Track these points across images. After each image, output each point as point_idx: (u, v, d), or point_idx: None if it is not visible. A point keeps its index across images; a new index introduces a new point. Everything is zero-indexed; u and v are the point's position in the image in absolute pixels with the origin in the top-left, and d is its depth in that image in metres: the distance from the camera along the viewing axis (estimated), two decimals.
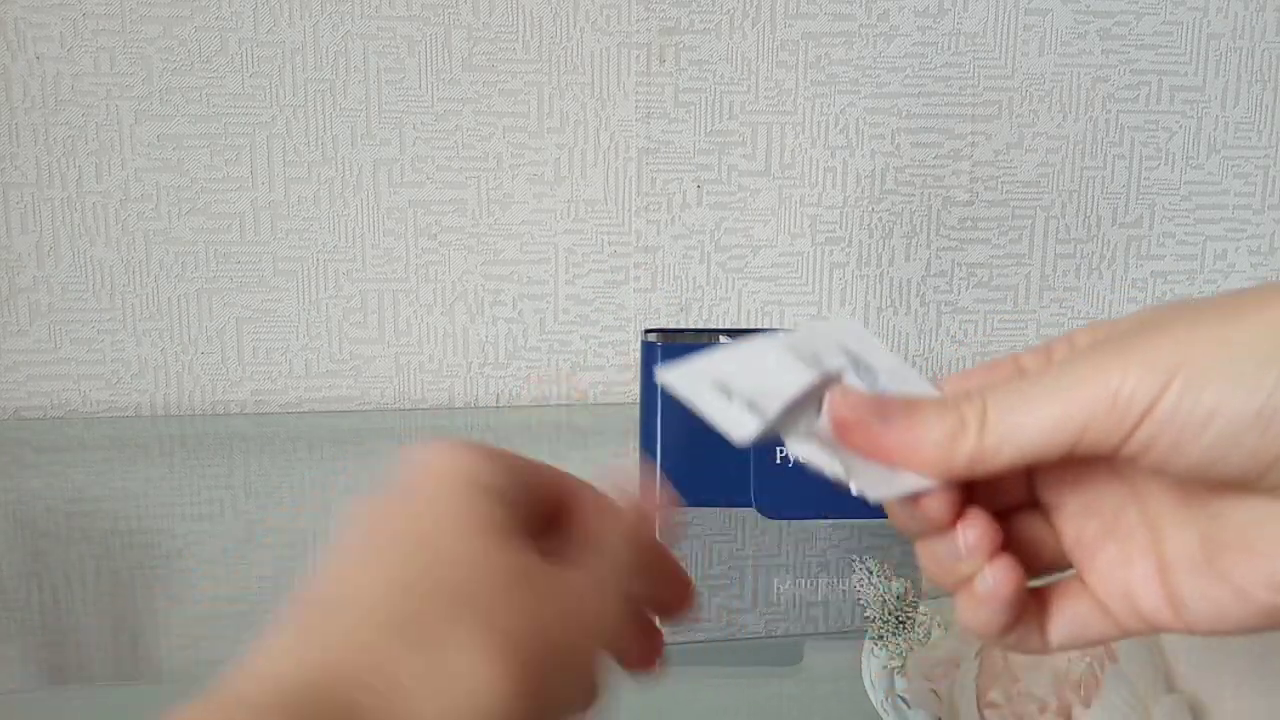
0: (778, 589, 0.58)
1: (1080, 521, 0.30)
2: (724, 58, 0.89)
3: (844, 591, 0.57)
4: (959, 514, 0.28)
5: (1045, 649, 0.30)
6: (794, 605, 0.57)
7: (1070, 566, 0.31)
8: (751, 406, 0.30)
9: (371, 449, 0.83)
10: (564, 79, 0.88)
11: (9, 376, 0.86)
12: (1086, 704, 0.42)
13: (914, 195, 0.94)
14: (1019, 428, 0.27)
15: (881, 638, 0.52)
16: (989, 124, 0.93)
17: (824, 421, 0.30)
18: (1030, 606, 0.30)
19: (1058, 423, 0.26)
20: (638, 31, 0.88)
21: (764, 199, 0.92)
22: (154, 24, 0.83)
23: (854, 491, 0.29)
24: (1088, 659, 0.43)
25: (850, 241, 0.94)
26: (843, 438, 0.29)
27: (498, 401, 0.92)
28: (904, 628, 0.52)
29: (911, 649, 0.51)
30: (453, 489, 0.28)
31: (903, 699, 0.49)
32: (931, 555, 0.29)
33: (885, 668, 0.51)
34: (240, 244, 0.87)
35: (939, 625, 0.52)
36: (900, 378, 0.31)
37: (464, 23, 0.86)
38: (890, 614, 0.53)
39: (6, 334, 0.86)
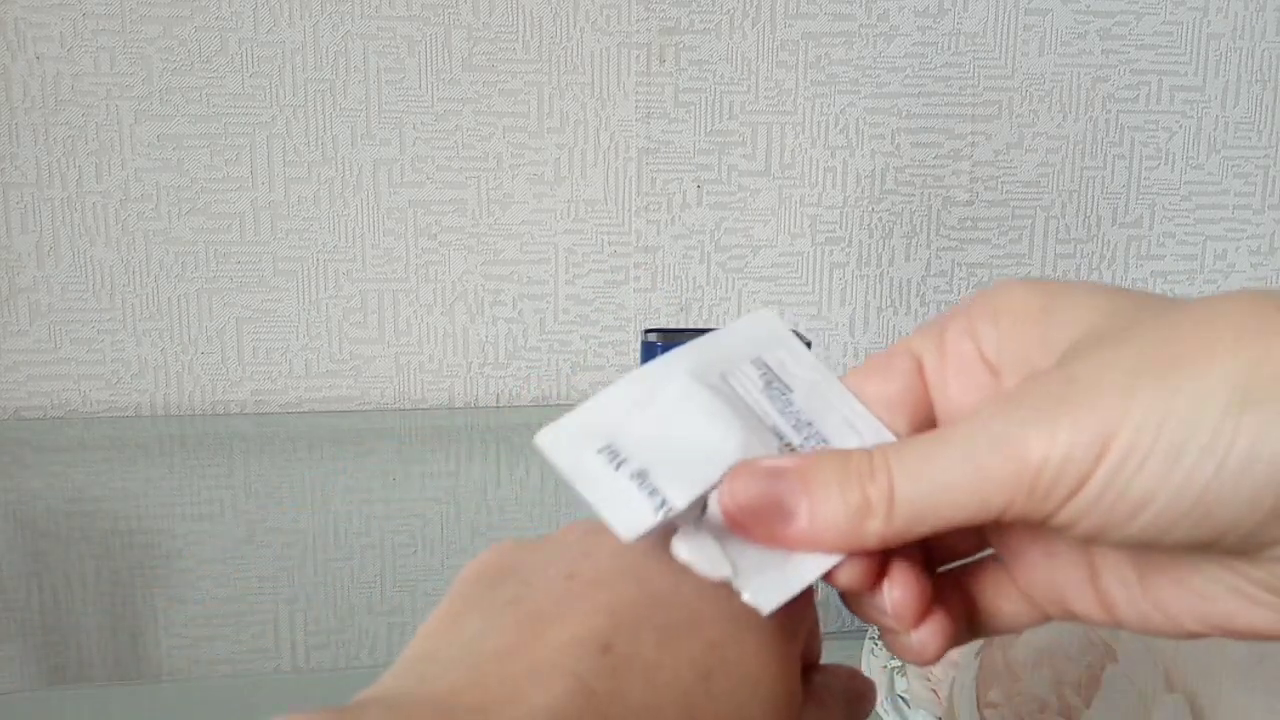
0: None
1: (1004, 528, 0.28)
2: (724, 58, 0.89)
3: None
4: (880, 573, 0.26)
5: (965, 640, 0.28)
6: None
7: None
8: (642, 480, 0.25)
9: (371, 449, 0.83)
10: (564, 79, 0.88)
11: (9, 376, 0.86)
12: (1086, 704, 0.42)
13: (914, 195, 0.94)
14: (931, 510, 0.23)
15: (881, 638, 0.52)
16: (989, 124, 0.93)
17: (713, 510, 0.25)
18: (952, 599, 0.28)
19: (974, 503, 0.23)
20: (638, 31, 0.88)
21: (764, 199, 0.92)
22: (154, 24, 0.83)
23: (746, 599, 0.25)
24: (1088, 659, 0.43)
25: (850, 241, 0.94)
26: (740, 534, 0.25)
27: (498, 401, 0.92)
28: None
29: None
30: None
31: (903, 699, 0.49)
32: (857, 605, 0.27)
33: (885, 668, 0.51)
34: (240, 244, 0.87)
35: None
36: (818, 393, 0.28)
37: (464, 23, 0.86)
38: None
39: (6, 334, 0.86)
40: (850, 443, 0.26)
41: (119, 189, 0.85)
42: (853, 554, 0.25)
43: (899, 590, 0.26)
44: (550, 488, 0.79)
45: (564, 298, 0.91)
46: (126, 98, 0.84)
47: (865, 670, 0.51)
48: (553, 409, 0.92)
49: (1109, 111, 0.94)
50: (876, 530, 0.24)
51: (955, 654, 0.50)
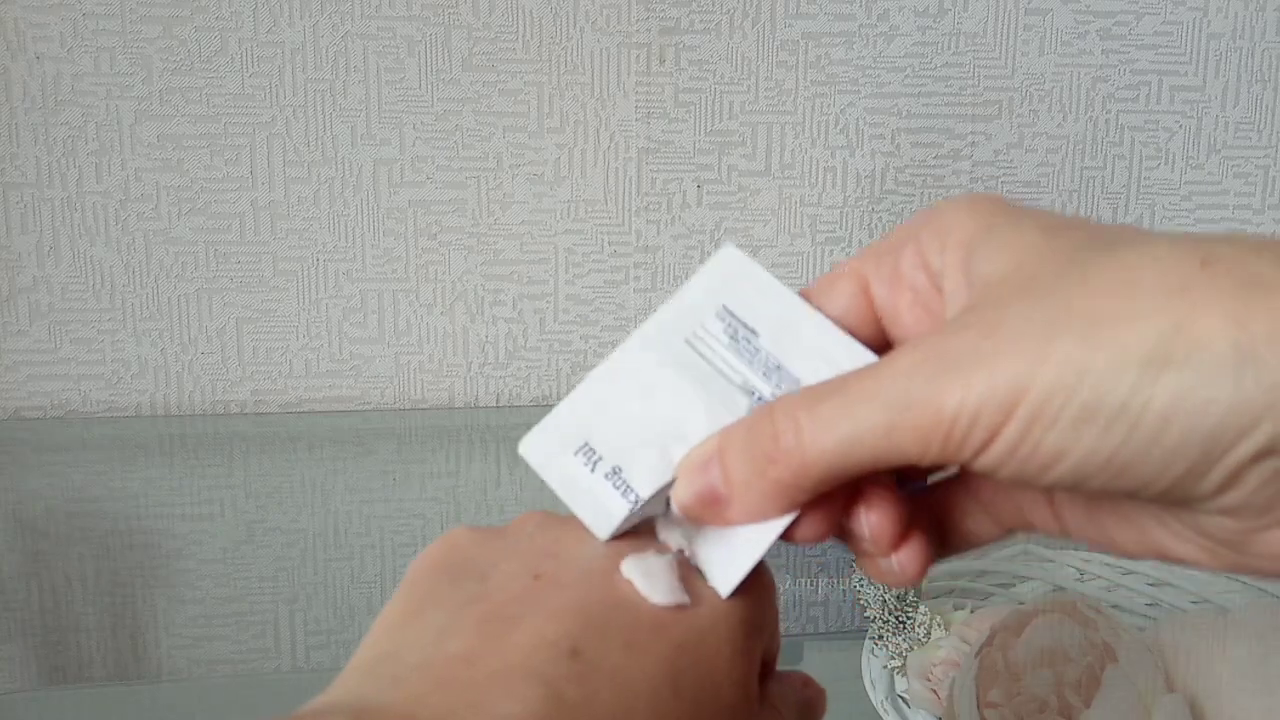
0: (778, 589, 0.58)
1: None
2: (724, 58, 0.89)
3: (844, 591, 0.57)
4: (840, 513, 0.26)
5: (938, 559, 0.28)
6: (794, 605, 0.57)
7: None
8: (616, 477, 0.26)
9: (371, 449, 0.83)
10: (564, 79, 0.88)
11: (9, 376, 0.86)
12: (1086, 704, 0.42)
13: (914, 195, 0.94)
14: (846, 459, 0.23)
15: (881, 638, 0.52)
16: (989, 124, 0.93)
17: (673, 506, 0.26)
18: (923, 519, 0.28)
19: (890, 453, 0.23)
20: (638, 31, 0.88)
21: (764, 199, 0.92)
22: (154, 24, 0.83)
23: (711, 585, 0.25)
24: (1088, 659, 0.43)
25: (850, 241, 0.94)
26: (699, 524, 0.26)
27: (498, 401, 0.92)
28: (904, 628, 0.52)
29: (911, 649, 0.51)
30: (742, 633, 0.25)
31: (903, 699, 0.50)
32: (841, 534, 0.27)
33: (885, 668, 0.51)
34: (240, 244, 0.87)
35: (939, 625, 0.52)
36: (786, 329, 0.27)
37: (464, 23, 0.86)
38: (890, 614, 0.53)
39: (6, 334, 0.86)
40: (823, 375, 0.26)
41: (119, 189, 0.85)
42: (794, 513, 0.25)
43: (875, 515, 0.25)
44: (550, 487, 0.79)
45: (564, 298, 0.91)
46: (126, 98, 0.84)
47: (865, 671, 0.51)
48: (553, 409, 0.92)
49: (1109, 111, 0.94)
50: (793, 485, 0.24)
51: (955, 654, 0.50)
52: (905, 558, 0.26)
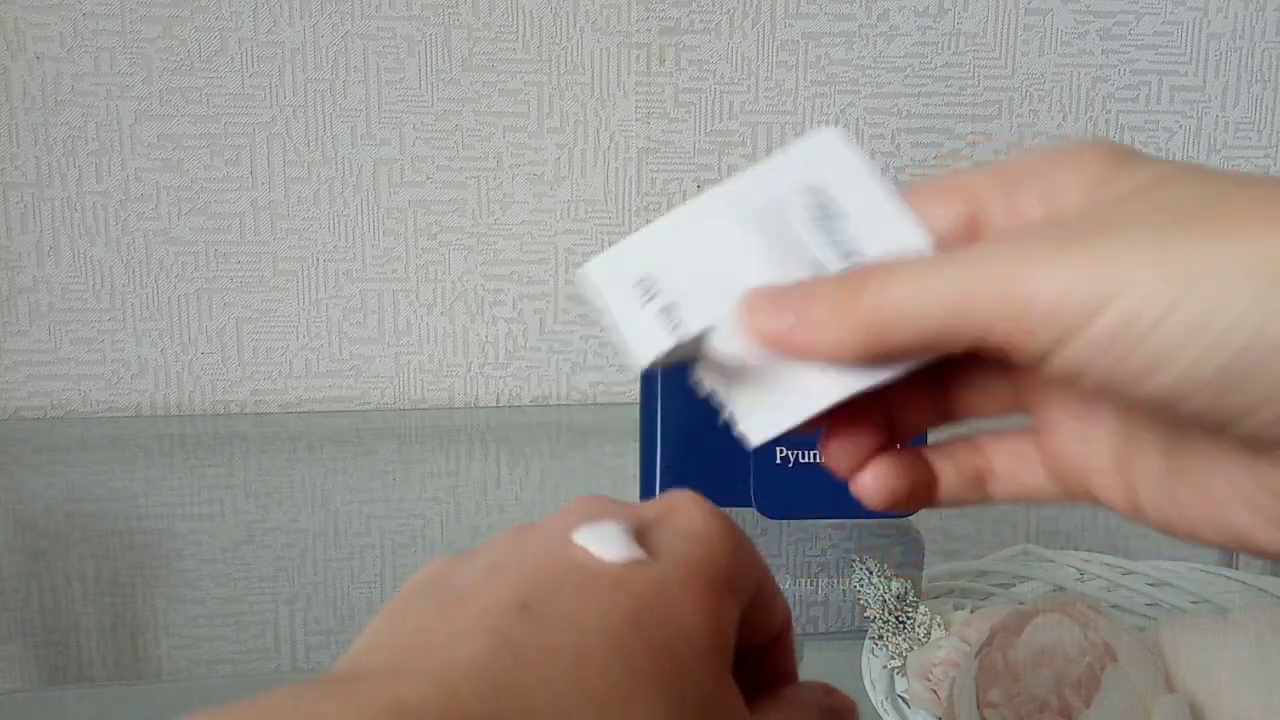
0: (755, 549, 0.58)
1: (1044, 388, 0.26)
2: (724, 58, 0.89)
3: (844, 591, 0.57)
4: (874, 440, 0.26)
5: (982, 503, 0.28)
6: (794, 605, 0.57)
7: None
8: (668, 314, 0.26)
9: (371, 449, 0.83)
10: (564, 79, 0.88)
11: (9, 376, 0.86)
12: (1086, 704, 0.42)
13: None
14: (911, 316, 0.23)
15: (881, 638, 0.52)
16: (989, 124, 0.93)
17: (718, 342, 0.26)
18: (973, 460, 0.28)
19: (956, 318, 0.22)
20: (638, 31, 0.88)
21: None
22: (154, 24, 0.83)
23: (739, 431, 0.25)
24: (1088, 659, 0.43)
25: None
26: (745, 342, 0.25)
27: (498, 401, 0.92)
28: (904, 628, 0.52)
29: (911, 649, 0.51)
30: (707, 588, 0.23)
31: (903, 699, 0.50)
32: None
33: (885, 668, 0.51)
34: (240, 244, 0.87)
35: (939, 625, 0.52)
36: (874, 218, 0.27)
37: (464, 23, 0.86)
38: (890, 614, 0.53)
39: (6, 334, 0.86)
40: None
41: (119, 189, 0.85)
42: (845, 391, 0.25)
43: (834, 442, 0.26)
44: (550, 487, 0.79)
45: (564, 298, 0.91)
46: (126, 98, 0.84)
47: (865, 671, 0.51)
48: (553, 409, 0.92)
49: (1109, 111, 0.94)
50: (866, 333, 0.23)
51: (955, 654, 0.50)
52: (868, 480, 0.27)
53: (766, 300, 0.25)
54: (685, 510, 0.25)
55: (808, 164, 0.28)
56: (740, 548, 0.25)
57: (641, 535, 0.24)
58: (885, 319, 0.23)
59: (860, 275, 0.24)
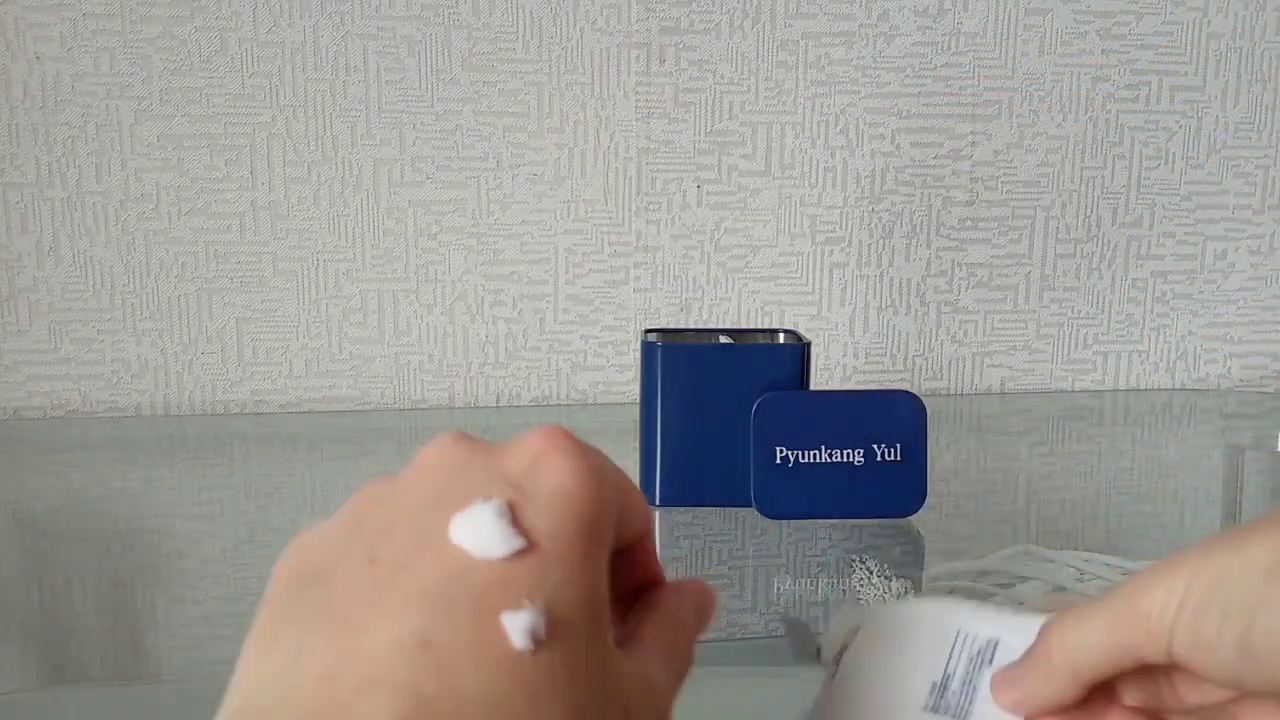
0: (778, 589, 0.58)
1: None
2: (724, 58, 0.89)
3: (844, 591, 0.57)
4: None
5: None
6: (794, 605, 0.57)
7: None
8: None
9: (371, 449, 0.83)
10: (564, 79, 0.88)
11: (9, 376, 0.86)
12: None
13: (914, 195, 0.94)
14: (1084, 657, 0.30)
15: None
16: (989, 124, 0.93)
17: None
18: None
19: (1114, 644, 0.29)
20: (638, 31, 0.88)
21: (764, 199, 0.92)
22: (154, 24, 0.83)
23: None
24: None
25: (850, 241, 0.94)
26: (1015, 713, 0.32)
27: (498, 401, 0.92)
28: None
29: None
30: (579, 530, 0.25)
31: None
32: None
33: None
34: (240, 244, 0.87)
35: None
36: (1016, 630, 0.34)
37: (464, 23, 0.86)
38: None
39: (6, 334, 0.86)
40: None
41: (119, 189, 0.85)
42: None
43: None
44: None
45: (564, 298, 0.91)
46: (126, 98, 0.84)
47: None
48: (552, 409, 0.92)
49: (1109, 111, 0.94)
50: (1058, 676, 0.31)
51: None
52: None
53: (1001, 681, 0.33)
54: (549, 463, 0.26)
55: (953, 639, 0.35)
56: (605, 483, 0.26)
57: (515, 512, 0.25)
58: (1067, 668, 0.30)
59: (1043, 642, 0.31)
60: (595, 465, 0.27)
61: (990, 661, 0.34)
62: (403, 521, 0.25)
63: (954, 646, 0.34)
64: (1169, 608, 0.28)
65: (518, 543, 0.24)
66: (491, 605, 0.23)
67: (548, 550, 0.24)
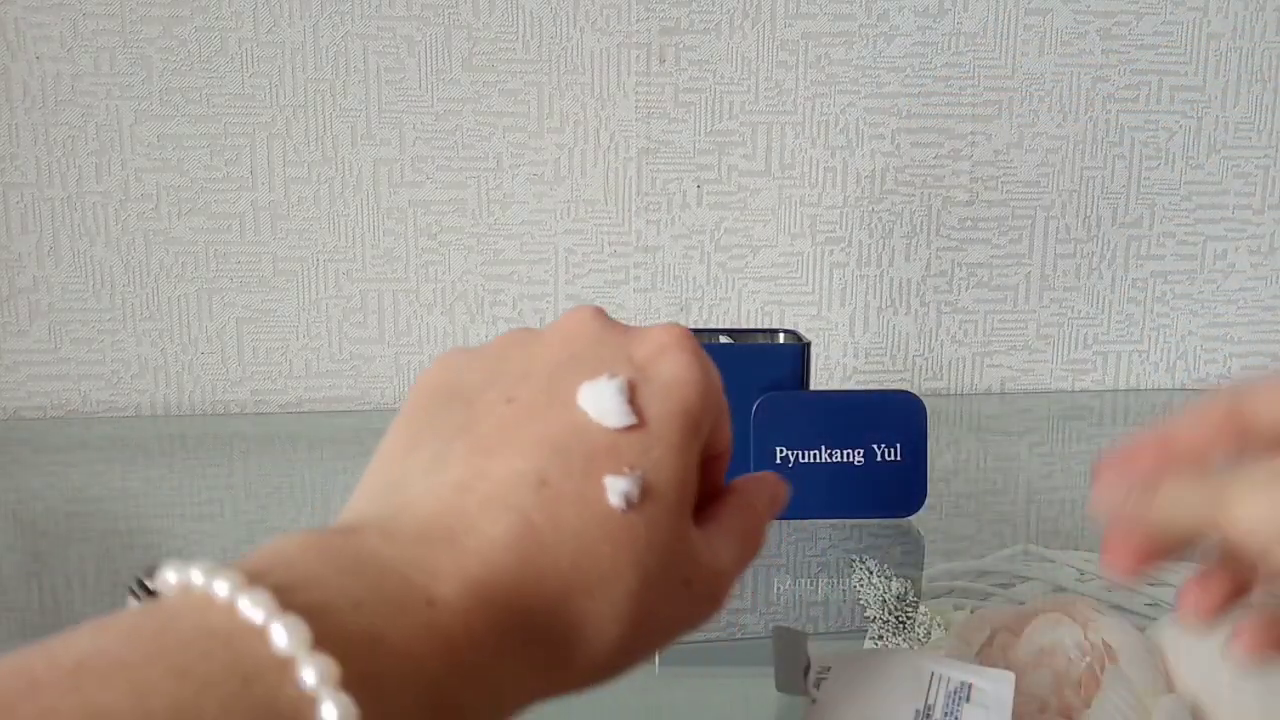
0: (778, 589, 0.58)
1: None
2: (724, 58, 0.89)
3: (844, 591, 0.57)
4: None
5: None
6: (794, 605, 0.57)
7: None
8: None
9: (371, 449, 0.83)
10: (564, 79, 0.88)
11: (9, 376, 0.86)
12: (1086, 704, 0.42)
13: (914, 195, 0.94)
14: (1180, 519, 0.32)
15: (881, 638, 0.52)
16: (989, 124, 0.93)
17: None
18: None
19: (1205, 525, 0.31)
20: (638, 31, 0.88)
21: (764, 199, 0.92)
22: (154, 24, 0.83)
23: None
24: (1088, 659, 0.43)
25: (850, 241, 0.94)
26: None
27: None
28: (904, 628, 0.52)
29: (911, 649, 0.51)
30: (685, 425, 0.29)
31: None
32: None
33: None
34: (240, 244, 0.87)
35: (939, 625, 0.52)
36: (985, 677, 0.36)
37: (464, 23, 0.86)
38: (890, 614, 0.53)
39: (6, 334, 0.86)
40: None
41: (119, 189, 0.85)
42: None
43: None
44: None
45: (564, 298, 0.91)
46: (126, 98, 0.84)
47: None
48: None
49: (1109, 111, 0.94)
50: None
51: (955, 654, 0.50)
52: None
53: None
54: (671, 356, 0.30)
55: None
56: (711, 390, 0.31)
57: (633, 391, 0.29)
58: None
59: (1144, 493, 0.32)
60: (708, 369, 0.31)
61: (968, 699, 0.34)
62: (540, 373, 0.30)
63: (930, 684, 0.35)
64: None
65: (630, 419, 0.28)
66: (599, 465, 0.27)
67: (654, 430, 0.28)
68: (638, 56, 0.88)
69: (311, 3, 0.84)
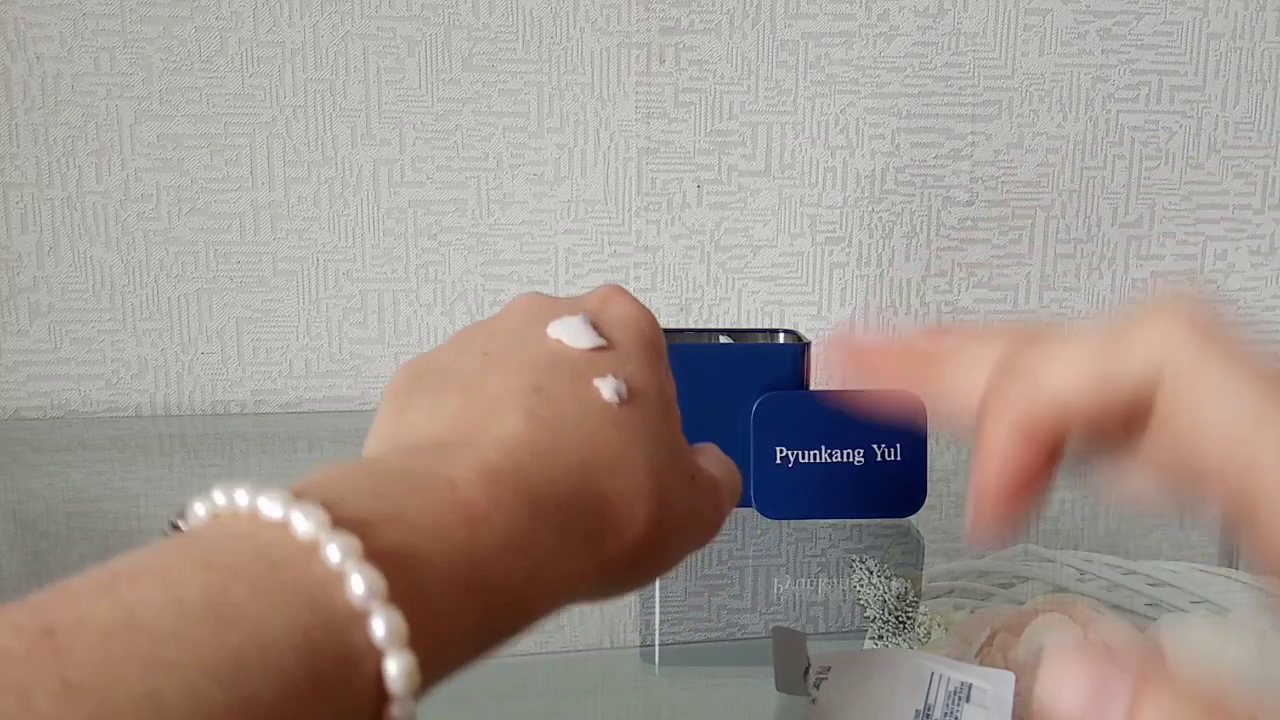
0: (778, 589, 0.58)
1: None
2: (724, 58, 0.89)
3: (844, 591, 0.57)
4: None
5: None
6: (794, 605, 0.57)
7: None
8: None
9: None
10: (564, 79, 0.88)
11: (9, 376, 0.86)
12: None
13: (914, 195, 0.94)
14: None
15: (881, 638, 0.52)
16: (989, 124, 0.93)
17: None
18: None
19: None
20: (638, 31, 0.88)
21: (764, 199, 0.92)
22: (154, 24, 0.83)
23: None
24: None
25: (850, 241, 0.94)
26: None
27: None
28: (904, 628, 0.52)
29: (911, 649, 0.51)
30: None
31: None
32: None
33: None
34: (240, 244, 0.87)
35: (939, 625, 0.52)
36: (985, 678, 0.36)
37: (464, 23, 0.86)
38: (890, 614, 0.53)
39: (6, 334, 0.86)
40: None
41: (119, 189, 0.85)
42: None
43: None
44: None
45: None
46: (126, 98, 0.84)
47: None
48: None
49: (1109, 111, 0.94)
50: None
51: (955, 654, 0.50)
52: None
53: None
54: (616, 300, 0.33)
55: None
56: (658, 329, 0.33)
57: (595, 322, 0.31)
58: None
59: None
60: (651, 313, 0.34)
61: (968, 699, 0.34)
62: (507, 330, 0.32)
63: (930, 684, 0.35)
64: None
65: (600, 340, 0.31)
66: (584, 372, 0.29)
67: (622, 349, 0.31)
68: (638, 56, 0.88)
69: (311, 3, 0.84)
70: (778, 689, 0.40)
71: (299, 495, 0.21)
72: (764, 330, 0.72)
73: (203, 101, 0.85)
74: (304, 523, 0.21)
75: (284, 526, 0.21)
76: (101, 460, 0.80)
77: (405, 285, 0.89)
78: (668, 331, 0.70)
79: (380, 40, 0.85)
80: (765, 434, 0.62)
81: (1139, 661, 0.22)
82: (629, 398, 0.29)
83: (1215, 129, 0.96)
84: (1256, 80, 0.95)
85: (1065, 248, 0.96)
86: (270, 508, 0.21)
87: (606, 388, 0.29)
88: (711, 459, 0.34)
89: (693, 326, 0.88)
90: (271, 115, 0.85)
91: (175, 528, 0.23)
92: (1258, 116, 0.96)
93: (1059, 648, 0.23)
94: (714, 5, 0.88)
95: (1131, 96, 0.94)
